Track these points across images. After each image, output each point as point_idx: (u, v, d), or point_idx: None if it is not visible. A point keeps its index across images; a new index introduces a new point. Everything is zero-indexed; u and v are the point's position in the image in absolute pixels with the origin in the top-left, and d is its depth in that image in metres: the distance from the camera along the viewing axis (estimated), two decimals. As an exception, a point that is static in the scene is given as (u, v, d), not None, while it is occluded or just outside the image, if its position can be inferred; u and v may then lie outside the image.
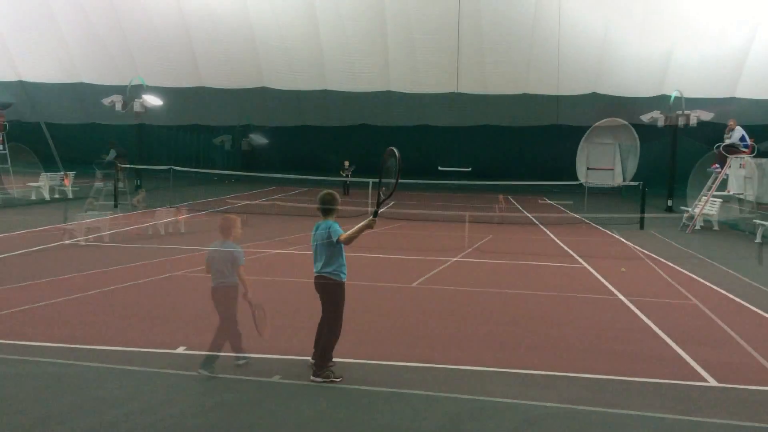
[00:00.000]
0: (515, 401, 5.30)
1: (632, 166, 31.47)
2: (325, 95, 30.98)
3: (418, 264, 11.70)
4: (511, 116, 31.21)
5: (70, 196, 21.51)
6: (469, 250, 13.48)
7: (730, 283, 10.46)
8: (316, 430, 4.74)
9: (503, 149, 33.68)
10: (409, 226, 17.56)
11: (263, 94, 31.28)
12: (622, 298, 9.29)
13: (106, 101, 24.70)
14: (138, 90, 25.09)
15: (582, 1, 26.62)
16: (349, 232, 5.64)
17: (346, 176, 26.83)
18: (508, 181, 24.29)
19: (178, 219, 15.28)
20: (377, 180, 5.99)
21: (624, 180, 30.22)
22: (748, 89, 27.70)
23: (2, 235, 13.38)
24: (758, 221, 15.57)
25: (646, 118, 23.86)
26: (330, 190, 5.90)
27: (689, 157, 21.23)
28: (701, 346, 7.00)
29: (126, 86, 25.12)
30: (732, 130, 18.68)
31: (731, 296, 9.55)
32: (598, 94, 29.37)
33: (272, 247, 12.90)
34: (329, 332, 5.74)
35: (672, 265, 12.04)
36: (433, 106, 31.11)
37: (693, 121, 22.30)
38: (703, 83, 26.53)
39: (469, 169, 30.59)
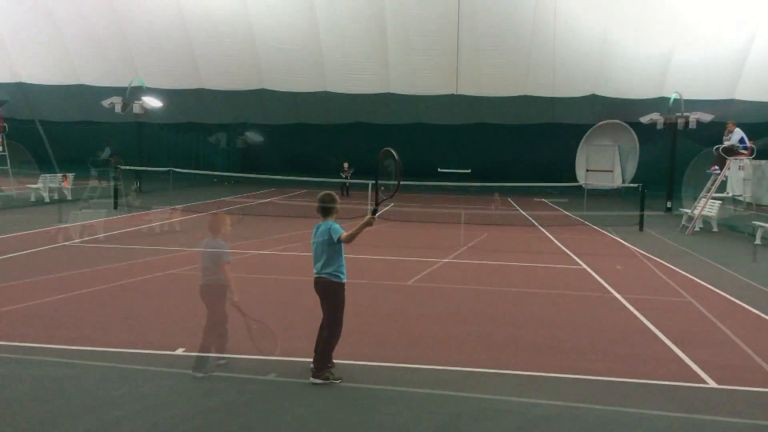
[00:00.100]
0: (515, 401, 5.31)
1: (631, 167, 31.51)
2: (325, 97, 31.01)
3: (412, 264, 11.69)
4: (511, 117, 31.22)
5: (69, 197, 21.50)
6: (467, 248, 13.48)
7: (729, 284, 10.47)
8: (316, 431, 4.75)
9: (502, 150, 33.66)
10: (408, 226, 17.55)
11: (263, 95, 31.31)
12: (621, 299, 9.30)
13: (106, 103, 24.72)
14: (137, 91, 25.11)
15: (581, 2, 26.66)
16: (349, 231, 5.67)
17: (346, 178, 26.84)
18: (507, 182, 24.28)
19: (172, 215, 15.24)
20: (375, 179, 6.00)
21: (623, 181, 30.22)
22: (747, 91, 27.73)
23: (2, 236, 13.38)
24: (757, 223, 15.59)
25: (645, 120, 23.92)
26: (329, 191, 5.93)
27: (688, 159, 21.27)
28: (700, 348, 7.01)
29: (125, 88, 25.14)
30: (731, 131, 18.68)
31: (730, 297, 9.56)
32: (598, 96, 29.41)
33: (271, 247, 12.90)
34: (329, 333, 5.74)
35: (671, 266, 12.04)
36: (432, 107, 31.14)
37: (692, 124, 22.34)
38: (703, 85, 26.56)
39: (469, 171, 30.61)
